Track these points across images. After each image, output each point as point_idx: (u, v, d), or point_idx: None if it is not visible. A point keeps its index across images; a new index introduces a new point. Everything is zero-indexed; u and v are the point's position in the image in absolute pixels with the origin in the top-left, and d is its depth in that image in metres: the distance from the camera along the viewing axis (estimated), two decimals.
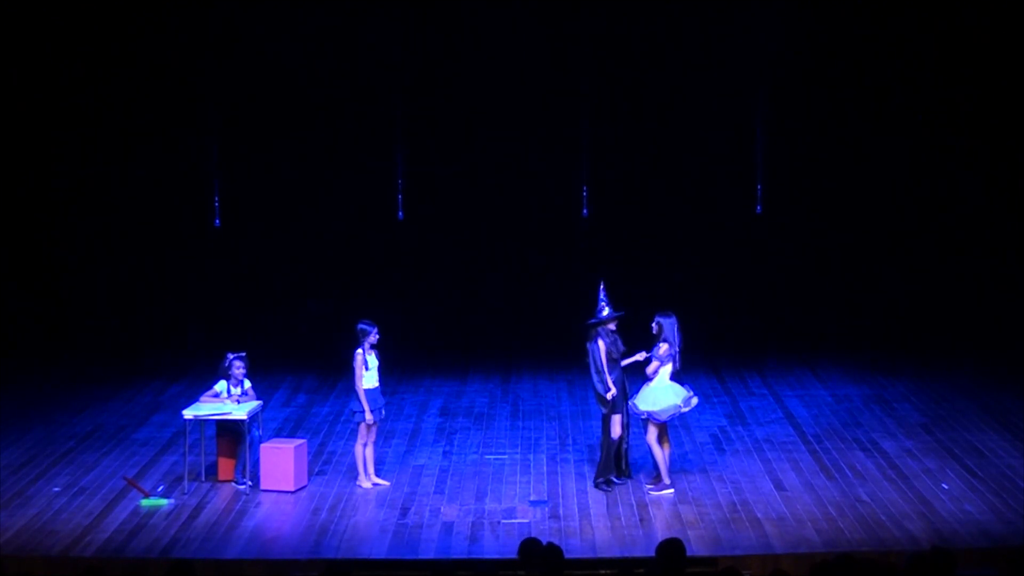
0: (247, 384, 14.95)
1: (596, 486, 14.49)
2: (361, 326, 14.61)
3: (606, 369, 14.37)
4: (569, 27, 20.60)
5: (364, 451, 14.70)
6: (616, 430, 14.48)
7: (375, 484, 14.73)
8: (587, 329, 14.52)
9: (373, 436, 14.82)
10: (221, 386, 14.89)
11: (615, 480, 14.53)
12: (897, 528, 13.26)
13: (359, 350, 14.55)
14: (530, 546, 9.64)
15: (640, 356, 14.51)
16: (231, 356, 14.92)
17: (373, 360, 14.63)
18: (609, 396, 14.35)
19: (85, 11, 20.21)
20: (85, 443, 16.48)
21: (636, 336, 14.73)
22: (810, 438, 16.28)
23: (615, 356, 14.46)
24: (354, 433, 15.30)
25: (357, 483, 14.73)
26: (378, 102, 20.83)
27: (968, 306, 20.83)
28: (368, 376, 14.57)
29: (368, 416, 14.53)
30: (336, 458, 15.74)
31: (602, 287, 14.50)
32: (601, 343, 14.39)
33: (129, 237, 21.16)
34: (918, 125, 20.75)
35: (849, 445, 15.95)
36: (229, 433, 14.81)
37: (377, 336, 14.62)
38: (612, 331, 14.49)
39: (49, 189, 21.07)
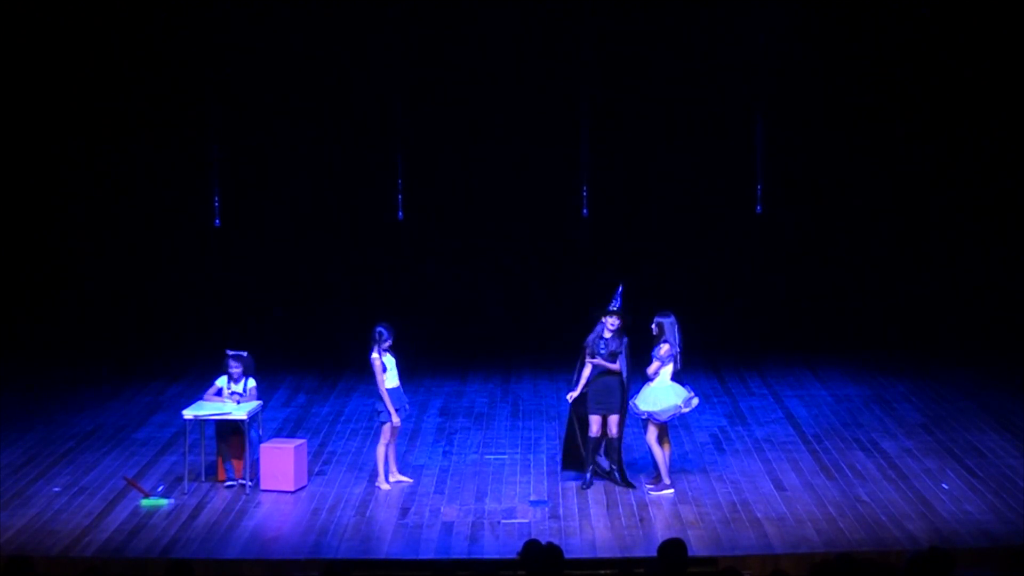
0: (251, 384, 14.87)
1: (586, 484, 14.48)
2: (379, 329, 14.42)
3: (578, 366, 14.42)
4: (569, 27, 20.60)
5: (385, 451, 14.59)
6: (592, 429, 14.43)
7: (398, 482, 14.67)
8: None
9: (395, 435, 14.75)
10: (222, 381, 14.84)
11: (587, 477, 14.44)
12: (897, 528, 13.26)
13: (375, 354, 14.40)
14: (531, 548, 9.63)
15: (614, 366, 14.28)
16: (230, 354, 14.89)
17: (390, 360, 14.47)
18: (569, 398, 14.47)
19: (83, 9, 20.20)
20: (85, 443, 16.47)
21: (635, 337, 14.72)
22: (810, 438, 16.28)
23: (595, 352, 14.30)
24: (355, 433, 15.30)
25: (376, 484, 14.60)
26: (378, 102, 20.84)
27: (968, 306, 20.83)
28: (388, 377, 14.44)
29: (395, 419, 14.43)
30: (336, 458, 15.73)
31: (620, 290, 14.42)
32: (591, 336, 14.39)
33: (129, 237, 21.16)
34: (918, 126, 20.77)
35: (849, 445, 15.95)
36: (228, 433, 14.79)
37: (390, 341, 14.47)
38: (612, 329, 14.25)
39: (49, 189, 21.07)
